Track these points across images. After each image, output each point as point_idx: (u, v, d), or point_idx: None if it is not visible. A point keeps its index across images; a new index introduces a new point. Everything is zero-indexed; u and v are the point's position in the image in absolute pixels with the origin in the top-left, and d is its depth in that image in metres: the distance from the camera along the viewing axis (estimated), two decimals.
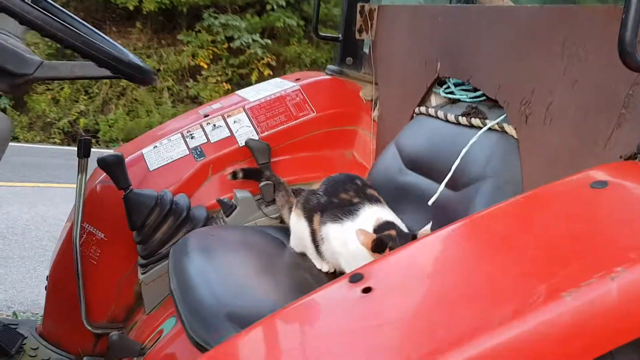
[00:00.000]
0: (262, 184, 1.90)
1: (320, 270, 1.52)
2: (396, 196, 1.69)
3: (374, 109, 2.17)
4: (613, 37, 1.09)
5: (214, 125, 2.06)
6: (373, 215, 1.42)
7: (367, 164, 2.17)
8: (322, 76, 2.26)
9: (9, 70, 1.21)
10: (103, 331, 1.92)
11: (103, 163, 1.73)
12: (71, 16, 1.16)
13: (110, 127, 9.00)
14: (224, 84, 9.16)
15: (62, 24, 1.10)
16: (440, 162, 1.60)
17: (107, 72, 1.26)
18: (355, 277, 0.78)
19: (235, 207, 1.85)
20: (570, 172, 1.20)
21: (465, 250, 0.78)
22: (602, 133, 1.12)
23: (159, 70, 9.11)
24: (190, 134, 2.05)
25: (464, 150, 1.46)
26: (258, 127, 2.05)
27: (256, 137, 2.02)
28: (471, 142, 1.45)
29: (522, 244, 0.73)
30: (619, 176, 0.82)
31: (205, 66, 9.36)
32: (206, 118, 2.10)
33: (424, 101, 1.85)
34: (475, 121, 1.52)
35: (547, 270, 0.65)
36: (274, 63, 9.98)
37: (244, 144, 2.01)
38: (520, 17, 1.44)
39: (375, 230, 1.35)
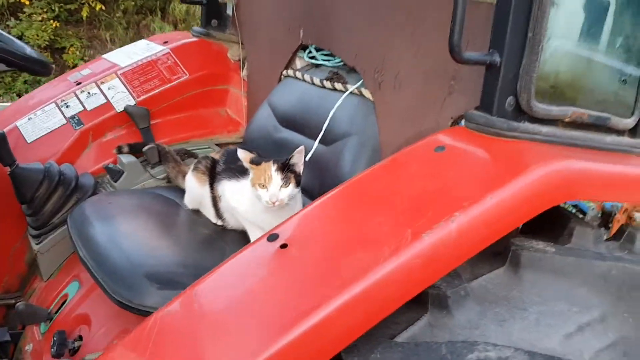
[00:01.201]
0: (146, 148, 2.02)
1: (215, 224, 1.73)
2: (273, 150, 1.92)
3: (242, 69, 2.35)
4: (448, 9, 1.39)
5: (89, 92, 2.11)
6: None
7: (240, 119, 2.36)
8: (189, 38, 2.37)
9: None
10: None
11: None
12: None
13: None
14: (52, 21, 8.42)
15: None
16: (311, 120, 1.85)
17: (2, 67, 1.30)
18: (272, 237, 1.01)
19: (123, 172, 1.97)
20: (416, 128, 1.52)
21: (351, 208, 1.04)
22: (439, 98, 1.43)
23: None
24: (65, 103, 2.09)
25: (331, 112, 1.72)
26: (133, 92, 2.14)
27: (132, 102, 2.12)
28: (337, 104, 1.71)
29: (392, 200, 1.01)
30: (453, 140, 1.13)
31: (27, 2, 8.53)
32: (79, 86, 2.13)
33: (289, 64, 2.07)
34: (338, 85, 1.78)
35: (411, 218, 0.93)
36: None
37: (121, 109, 2.10)
38: None
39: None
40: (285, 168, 1.48)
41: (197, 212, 1.79)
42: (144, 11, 10.51)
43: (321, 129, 1.79)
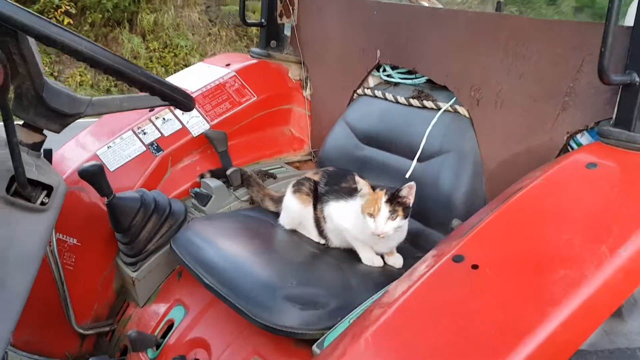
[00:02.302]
0: (229, 171, 2.06)
1: (318, 242, 1.78)
2: (355, 168, 1.98)
3: (305, 88, 2.41)
4: (551, 43, 1.48)
5: (164, 118, 2.15)
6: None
7: (304, 137, 2.43)
8: (250, 60, 2.42)
9: (64, 112, 1.25)
10: (91, 331, 2.01)
11: (86, 174, 1.76)
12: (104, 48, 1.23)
13: None
14: None
15: (122, 59, 1.18)
16: (398, 138, 1.92)
17: (157, 102, 1.34)
18: (457, 258, 1.08)
19: (211, 196, 2.01)
20: (524, 144, 1.60)
21: (527, 226, 1.11)
22: (550, 115, 1.52)
23: None
24: (142, 130, 2.12)
25: (428, 129, 1.79)
26: (207, 116, 2.18)
27: (207, 126, 2.16)
28: (433, 121, 1.79)
29: (568, 217, 1.08)
30: (600, 158, 1.21)
31: None
32: (152, 112, 2.16)
33: (362, 83, 2.14)
34: (428, 103, 1.86)
35: (599, 235, 1.02)
36: (73, 10, 9.35)
37: (197, 134, 2.14)
38: (460, 21, 1.77)
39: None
40: (395, 200, 1.52)
41: (294, 231, 1.84)
42: (112, 23, 10.45)
43: (410, 147, 1.86)
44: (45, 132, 1.31)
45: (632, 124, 1.23)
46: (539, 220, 1.11)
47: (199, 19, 12.19)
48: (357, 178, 1.58)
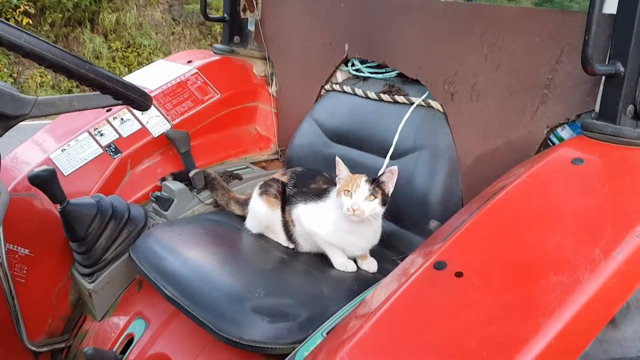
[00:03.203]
0: (192, 173, 1.95)
1: (287, 247, 1.68)
2: (324, 167, 1.88)
3: (270, 84, 2.30)
4: (528, 32, 1.41)
5: (122, 119, 2.02)
6: None
7: (270, 136, 2.32)
8: (213, 56, 2.31)
9: (6, 114, 1.12)
10: (45, 348, 1.87)
11: (37, 179, 1.63)
12: (59, 48, 1.10)
13: None
14: None
15: (70, 54, 1.05)
16: (368, 134, 1.83)
17: (109, 101, 1.22)
18: (439, 265, 0.99)
19: (173, 200, 1.89)
20: (502, 138, 1.52)
21: (513, 227, 1.03)
22: (528, 108, 1.45)
23: None
24: (99, 131, 1.98)
25: (400, 125, 1.70)
26: (168, 115, 2.06)
27: (168, 126, 2.04)
28: (405, 117, 1.70)
29: (557, 217, 1.01)
30: (585, 153, 1.14)
31: None
32: (110, 112, 2.03)
33: (330, 78, 2.05)
34: (400, 98, 1.77)
35: (592, 237, 0.94)
36: (32, 10, 9.08)
37: (157, 134, 2.02)
38: (433, 10, 1.69)
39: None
40: (375, 183, 1.45)
41: (261, 236, 1.74)
42: (72, 23, 10.18)
43: (382, 144, 1.77)
44: None
45: (618, 116, 1.16)
46: (525, 221, 1.03)
47: (162, 17, 11.98)
48: (338, 159, 1.49)
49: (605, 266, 0.89)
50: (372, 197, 1.44)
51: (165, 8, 11.97)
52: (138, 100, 1.23)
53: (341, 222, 1.49)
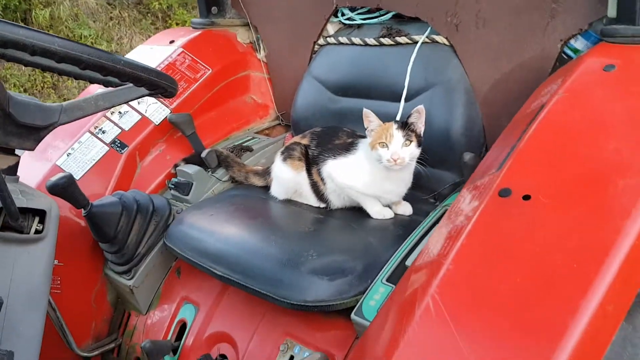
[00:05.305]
0: (204, 154, 1.93)
1: (318, 207, 1.70)
2: (334, 123, 1.89)
3: (258, 50, 2.26)
4: None
5: (120, 112, 1.97)
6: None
7: (267, 102, 2.30)
8: (193, 32, 2.25)
9: (36, 126, 1.08)
10: (95, 352, 1.87)
11: (57, 188, 1.59)
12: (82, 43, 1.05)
13: None
14: None
15: (102, 51, 1.01)
16: (375, 81, 1.83)
17: (135, 93, 1.19)
18: (504, 192, 1.01)
19: (192, 184, 1.88)
20: (514, 62, 1.54)
21: (569, 142, 1.04)
22: (538, 25, 1.46)
23: None
24: (100, 129, 1.94)
25: (409, 65, 1.70)
26: (165, 100, 2.02)
27: (168, 111, 2.00)
28: (413, 56, 1.70)
29: (605, 125, 1.03)
30: (612, 58, 1.16)
31: None
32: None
33: (321, 32, 2.02)
34: (401, 39, 1.76)
35: None
36: None
37: (159, 121, 1.98)
38: None
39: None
40: (406, 127, 1.47)
41: (289, 201, 1.75)
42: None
43: (391, 89, 1.78)
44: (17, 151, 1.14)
45: (636, 17, 1.18)
46: (577, 135, 1.06)
47: (97, 4, 11.53)
48: (366, 110, 1.49)
49: None
50: (408, 142, 1.45)
51: None
52: (170, 87, 1.20)
53: (377, 172, 1.51)
